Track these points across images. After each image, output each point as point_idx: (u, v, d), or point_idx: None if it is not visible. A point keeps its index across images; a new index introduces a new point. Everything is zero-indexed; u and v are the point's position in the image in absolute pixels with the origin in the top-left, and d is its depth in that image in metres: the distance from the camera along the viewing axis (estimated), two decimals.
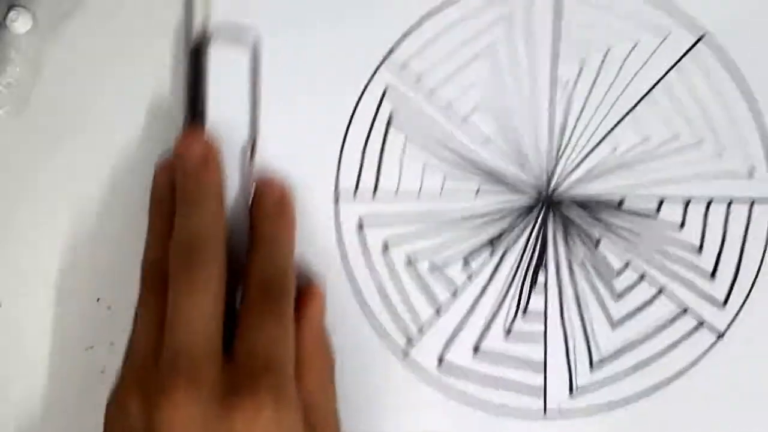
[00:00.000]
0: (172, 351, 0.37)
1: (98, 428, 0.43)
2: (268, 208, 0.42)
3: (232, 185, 0.44)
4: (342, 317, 0.45)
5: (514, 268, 0.45)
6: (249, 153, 0.44)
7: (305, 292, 0.42)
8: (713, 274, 0.45)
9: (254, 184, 0.43)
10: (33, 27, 0.43)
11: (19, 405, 0.46)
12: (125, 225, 0.45)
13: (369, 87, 0.44)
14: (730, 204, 0.45)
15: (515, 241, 0.45)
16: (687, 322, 0.45)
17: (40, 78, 0.44)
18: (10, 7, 0.42)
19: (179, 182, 0.41)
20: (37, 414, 0.46)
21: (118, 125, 0.45)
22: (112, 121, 0.45)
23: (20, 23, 0.42)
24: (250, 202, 0.43)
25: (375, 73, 0.44)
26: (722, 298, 0.45)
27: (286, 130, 0.44)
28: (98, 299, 0.45)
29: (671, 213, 0.45)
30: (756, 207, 0.45)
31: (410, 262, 0.45)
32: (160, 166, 0.43)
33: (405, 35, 0.44)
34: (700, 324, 0.45)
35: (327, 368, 0.42)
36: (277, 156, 0.44)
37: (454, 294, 0.45)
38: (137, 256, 0.43)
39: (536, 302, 0.45)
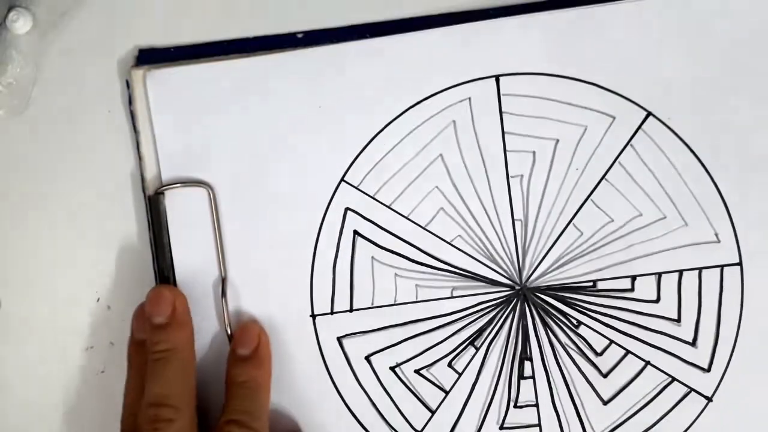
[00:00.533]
0: None
1: (98, 428, 0.44)
2: (243, 354, 0.43)
3: (208, 323, 0.45)
4: (334, 429, 0.45)
5: (500, 362, 0.46)
6: (221, 290, 0.44)
7: None
8: (694, 341, 0.45)
9: (229, 326, 0.44)
10: (33, 27, 0.44)
11: (20, 405, 0.47)
12: (126, 225, 0.46)
13: (329, 210, 0.45)
14: (701, 273, 0.45)
15: (497, 336, 0.46)
16: (675, 391, 0.46)
17: (40, 78, 0.45)
18: (11, 8, 0.43)
19: (148, 340, 0.42)
20: (38, 413, 0.46)
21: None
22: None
23: (21, 24, 0.43)
24: (228, 339, 0.44)
25: (333, 196, 0.45)
26: (706, 363, 0.45)
27: (255, 263, 0.45)
28: (98, 299, 0.46)
29: (645, 289, 0.45)
30: (726, 272, 0.45)
31: (394, 371, 0.45)
32: (135, 314, 0.45)
33: (356, 157, 0.45)
34: (689, 391, 0.46)
35: None
36: (250, 289, 0.45)
37: (444, 396, 0.46)
38: (138, 256, 0.45)
39: (526, 392, 0.46)
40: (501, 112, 0.45)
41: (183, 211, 0.45)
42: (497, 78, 0.45)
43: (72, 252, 0.46)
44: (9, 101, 0.44)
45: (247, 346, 0.44)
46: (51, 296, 0.46)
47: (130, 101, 0.45)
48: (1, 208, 0.46)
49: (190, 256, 0.45)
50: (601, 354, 0.46)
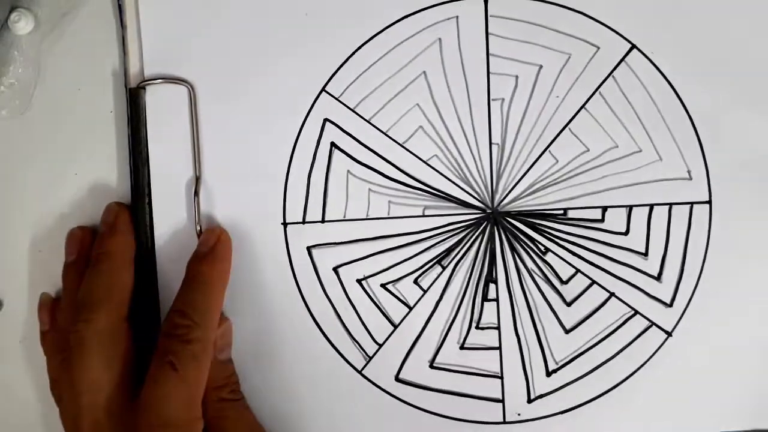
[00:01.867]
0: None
1: None
2: (202, 251, 0.44)
3: (179, 221, 0.45)
4: (299, 337, 0.46)
5: (465, 283, 0.46)
6: (194, 189, 0.45)
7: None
8: (659, 276, 0.46)
9: (199, 225, 0.45)
10: (35, 28, 0.43)
11: (20, 404, 0.47)
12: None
13: (308, 120, 0.45)
14: (671, 208, 0.46)
15: (464, 257, 0.46)
16: (637, 324, 0.46)
17: (41, 79, 0.45)
18: (13, 9, 0.43)
19: (96, 243, 0.45)
20: (38, 413, 0.47)
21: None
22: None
23: (22, 24, 0.43)
24: (198, 238, 0.45)
25: (312, 106, 0.45)
26: (669, 299, 0.46)
27: (230, 165, 0.45)
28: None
29: (615, 220, 0.46)
30: (696, 209, 0.46)
31: (361, 284, 0.46)
32: (69, 235, 0.46)
33: (339, 67, 0.45)
34: (650, 325, 0.46)
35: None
36: (224, 191, 0.45)
37: (407, 311, 0.46)
38: None
39: (489, 314, 0.46)
40: (487, 34, 0.45)
41: (162, 108, 0.45)
42: None
43: None
44: (11, 101, 0.44)
45: (205, 243, 0.44)
46: (51, 296, 0.47)
47: None
48: (1, 208, 0.46)
49: (166, 152, 0.45)
50: (566, 282, 0.46)
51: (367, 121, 0.45)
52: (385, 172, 0.46)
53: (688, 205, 0.46)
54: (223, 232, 0.45)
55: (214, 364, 0.43)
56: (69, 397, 0.42)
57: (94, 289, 0.43)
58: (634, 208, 0.46)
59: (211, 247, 0.44)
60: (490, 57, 0.45)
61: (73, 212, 0.46)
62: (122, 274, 0.44)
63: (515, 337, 0.46)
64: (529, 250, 0.46)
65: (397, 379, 0.46)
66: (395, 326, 0.46)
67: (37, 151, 0.46)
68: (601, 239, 0.46)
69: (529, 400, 0.47)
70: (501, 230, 0.46)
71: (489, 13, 0.45)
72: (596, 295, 0.46)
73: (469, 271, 0.46)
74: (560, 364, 0.47)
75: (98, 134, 0.46)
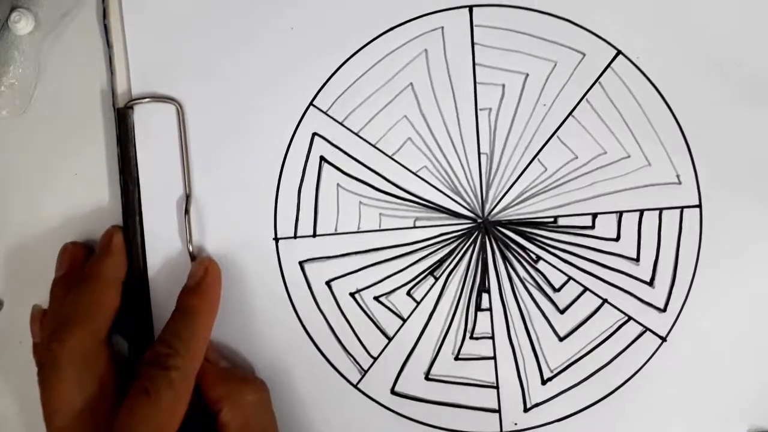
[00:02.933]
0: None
1: None
2: (191, 284, 0.44)
3: (170, 240, 0.45)
4: (293, 352, 0.46)
5: (458, 293, 0.46)
6: (184, 207, 0.45)
7: None
8: (651, 281, 0.46)
9: (191, 243, 0.45)
10: (35, 28, 0.44)
11: (20, 404, 0.47)
12: None
13: (296, 135, 0.45)
14: (661, 213, 0.46)
15: (456, 267, 0.46)
16: (631, 330, 0.46)
17: (42, 79, 0.45)
18: (13, 9, 0.43)
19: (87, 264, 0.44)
20: (39, 413, 0.46)
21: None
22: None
23: (22, 24, 0.43)
24: (189, 256, 0.45)
25: (301, 120, 0.45)
26: (662, 304, 0.46)
27: (220, 182, 0.45)
28: None
29: (606, 227, 0.46)
30: (686, 213, 0.46)
31: (354, 297, 0.46)
32: (62, 250, 0.46)
33: (326, 81, 0.45)
34: (644, 330, 0.46)
35: None
36: (214, 208, 0.45)
37: (401, 324, 0.46)
38: None
39: (483, 324, 0.46)
40: (473, 43, 0.45)
41: (151, 127, 0.45)
42: (471, 8, 0.45)
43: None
44: (11, 102, 0.44)
45: (194, 276, 0.44)
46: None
47: (104, 14, 0.45)
48: (1, 208, 0.46)
49: (156, 171, 0.45)
50: (559, 290, 0.46)
51: (356, 134, 0.45)
52: (375, 185, 0.46)
53: (678, 210, 0.46)
54: (212, 263, 0.45)
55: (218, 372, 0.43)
56: (44, 416, 0.40)
57: (74, 307, 0.42)
58: (624, 214, 0.46)
59: (200, 279, 0.44)
60: (477, 67, 0.45)
61: (73, 212, 0.46)
62: (106, 294, 0.43)
63: (510, 346, 0.46)
64: (520, 258, 0.46)
65: (393, 392, 0.46)
66: (389, 339, 0.46)
67: (37, 151, 0.46)
68: (592, 246, 0.46)
69: (526, 410, 0.46)
70: (492, 239, 0.46)
71: (474, 23, 0.45)
72: (589, 302, 0.46)
73: (462, 282, 0.46)
74: (555, 372, 0.46)
75: (98, 134, 0.46)
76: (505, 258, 0.46)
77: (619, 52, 0.45)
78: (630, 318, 0.46)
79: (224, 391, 0.42)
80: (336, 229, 0.46)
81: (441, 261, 0.46)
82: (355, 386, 0.46)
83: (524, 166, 0.46)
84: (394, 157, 0.46)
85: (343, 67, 0.45)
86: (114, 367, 0.42)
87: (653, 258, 0.46)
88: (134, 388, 0.40)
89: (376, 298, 0.46)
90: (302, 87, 0.45)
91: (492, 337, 0.46)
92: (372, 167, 0.46)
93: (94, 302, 0.42)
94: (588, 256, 0.46)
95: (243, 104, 0.45)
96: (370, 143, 0.46)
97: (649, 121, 0.45)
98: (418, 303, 0.46)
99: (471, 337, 0.46)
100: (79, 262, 0.45)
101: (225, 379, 0.43)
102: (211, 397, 0.42)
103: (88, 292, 0.42)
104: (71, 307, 0.42)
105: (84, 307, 0.42)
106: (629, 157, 0.46)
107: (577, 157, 0.46)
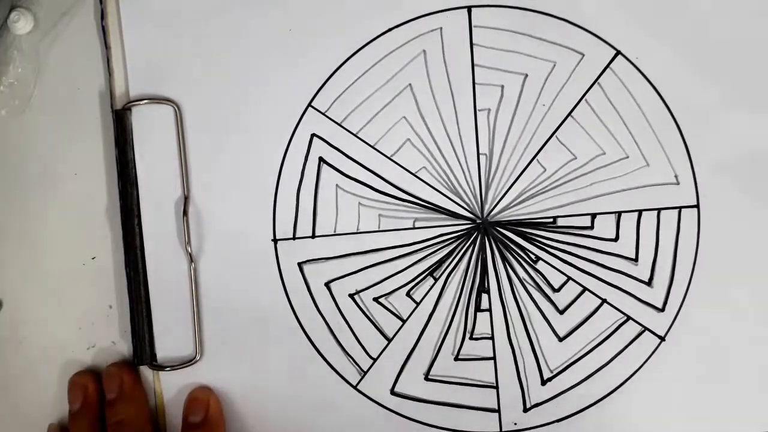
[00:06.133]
0: None
1: None
2: (195, 421, 0.44)
3: (169, 241, 0.45)
4: (292, 354, 0.46)
5: (458, 294, 0.46)
6: (183, 208, 0.44)
7: None
8: (650, 281, 0.46)
9: (189, 245, 0.44)
10: (34, 28, 0.43)
11: (20, 404, 0.47)
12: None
13: (295, 136, 0.45)
14: (659, 213, 0.46)
15: (456, 268, 0.46)
16: (630, 330, 0.46)
17: (41, 79, 0.45)
18: (12, 9, 0.43)
19: (107, 408, 0.44)
20: (38, 413, 0.47)
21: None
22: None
23: (22, 24, 0.43)
24: (187, 257, 0.44)
25: (299, 121, 0.45)
26: (660, 303, 0.46)
27: (218, 183, 0.45)
28: (99, 299, 0.46)
29: (605, 227, 0.46)
30: (684, 213, 0.46)
31: (353, 298, 0.46)
32: (71, 384, 0.46)
33: (325, 82, 0.45)
34: (643, 330, 0.46)
35: None
36: (213, 209, 0.45)
37: (401, 324, 0.46)
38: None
39: (482, 325, 0.46)
40: (472, 44, 0.45)
41: (149, 129, 0.45)
42: (469, 9, 0.45)
43: (74, 251, 0.46)
44: (10, 101, 0.44)
45: (197, 413, 0.44)
46: (52, 296, 0.46)
47: (102, 16, 0.45)
48: (1, 208, 0.46)
49: (155, 173, 0.45)
50: (558, 290, 0.46)
51: (355, 135, 0.45)
52: (374, 186, 0.46)
53: (677, 210, 0.46)
54: (213, 397, 0.45)
55: None
56: None
57: None
58: (622, 214, 0.46)
59: (204, 415, 0.44)
60: (476, 67, 0.45)
61: (73, 212, 0.46)
62: None
63: (509, 346, 0.46)
64: (520, 259, 0.46)
65: (393, 392, 0.46)
66: (389, 340, 0.46)
67: (36, 150, 0.46)
68: (591, 246, 0.46)
69: (525, 410, 0.47)
70: (492, 240, 0.46)
71: (473, 24, 0.45)
72: (588, 302, 0.46)
73: (462, 282, 0.46)
74: (555, 372, 0.47)
75: (97, 134, 0.46)
76: (504, 258, 0.46)
77: (618, 53, 0.45)
78: (629, 318, 0.46)
79: None
80: (335, 230, 0.46)
81: (440, 262, 0.46)
82: (355, 387, 0.46)
83: (523, 167, 0.46)
84: (393, 158, 0.46)
85: (341, 68, 0.45)
86: None
87: (652, 258, 0.46)
88: None
89: (376, 299, 0.46)
90: (301, 88, 0.45)
91: (492, 338, 0.46)
92: (371, 168, 0.46)
93: None
94: (587, 257, 0.46)
95: (241, 105, 0.45)
96: (369, 144, 0.45)
97: (647, 122, 0.45)
98: (418, 304, 0.46)
99: (471, 338, 0.46)
100: (91, 394, 0.45)
101: None
102: None
103: None
104: None
105: None
106: (628, 157, 0.46)
107: (576, 158, 0.46)
